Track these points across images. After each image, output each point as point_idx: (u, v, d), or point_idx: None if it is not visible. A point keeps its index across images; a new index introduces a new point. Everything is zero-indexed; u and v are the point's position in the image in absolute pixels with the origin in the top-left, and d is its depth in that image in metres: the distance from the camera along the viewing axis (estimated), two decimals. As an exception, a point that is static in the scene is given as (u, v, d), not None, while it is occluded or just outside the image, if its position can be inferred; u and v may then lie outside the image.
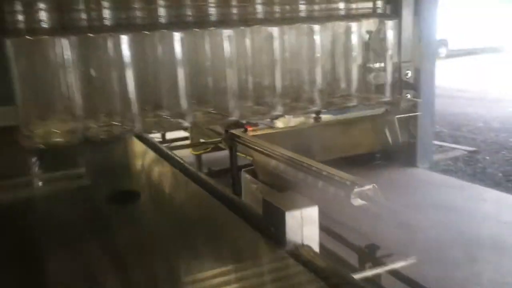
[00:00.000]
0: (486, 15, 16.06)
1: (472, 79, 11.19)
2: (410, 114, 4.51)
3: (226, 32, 1.98)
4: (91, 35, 1.82)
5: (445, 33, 14.81)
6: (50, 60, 1.81)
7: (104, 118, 1.85)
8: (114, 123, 1.85)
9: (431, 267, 2.86)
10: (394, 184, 4.31)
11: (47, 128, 1.77)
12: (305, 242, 1.11)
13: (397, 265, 1.70)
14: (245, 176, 1.86)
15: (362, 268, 2.19)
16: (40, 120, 1.78)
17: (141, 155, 2.19)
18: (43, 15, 1.80)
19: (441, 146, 5.67)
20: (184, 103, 1.93)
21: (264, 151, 1.75)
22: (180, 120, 1.93)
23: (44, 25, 1.80)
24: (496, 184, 4.52)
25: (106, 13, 1.88)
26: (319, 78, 2.24)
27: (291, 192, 1.20)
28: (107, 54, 1.85)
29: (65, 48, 1.79)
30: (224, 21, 2.06)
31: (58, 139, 1.71)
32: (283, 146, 1.77)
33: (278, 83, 2.15)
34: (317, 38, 2.20)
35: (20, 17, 1.77)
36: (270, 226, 1.16)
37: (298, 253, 1.09)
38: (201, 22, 2.03)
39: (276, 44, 2.14)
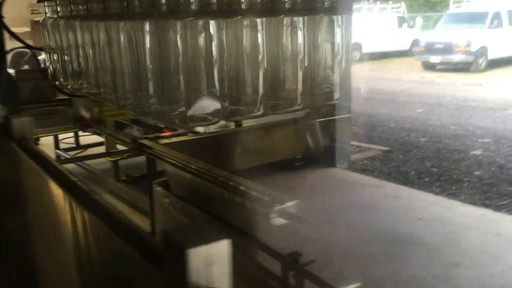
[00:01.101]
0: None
1: (383, 82, 11.71)
2: (331, 118, 4.62)
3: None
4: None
5: (360, 37, 15.43)
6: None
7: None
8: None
9: (348, 266, 2.90)
10: (312, 185, 4.37)
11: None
12: (212, 284, 0.90)
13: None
14: (157, 189, 1.72)
15: (285, 277, 2.15)
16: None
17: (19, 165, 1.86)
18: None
19: (358, 147, 5.84)
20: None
21: (175, 163, 1.61)
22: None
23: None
24: (409, 181, 4.71)
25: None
26: (260, 79, 2.12)
27: (199, 221, 1.03)
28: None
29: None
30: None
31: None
32: (201, 153, 1.69)
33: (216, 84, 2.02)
34: (259, 34, 2.08)
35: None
36: (172, 266, 0.93)
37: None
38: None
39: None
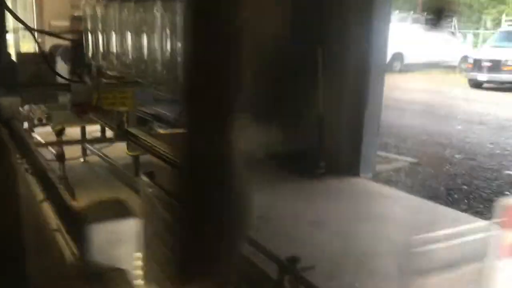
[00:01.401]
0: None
1: (425, 94, 11.45)
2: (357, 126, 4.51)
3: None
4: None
5: (400, 46, 15.14)
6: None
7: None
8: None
9: (360, 278, 2.83)
10: (333, 193, 4.30)
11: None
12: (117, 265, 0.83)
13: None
14: (144, 179, 1.73)
15: (280, 280, 2.11)
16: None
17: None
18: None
19: (385, 157, 5.72)
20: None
21: (156, 153, 1.61)
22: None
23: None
24: (436, 197, 4.57)
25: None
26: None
27: (118, 199, 0.94)
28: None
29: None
30: None
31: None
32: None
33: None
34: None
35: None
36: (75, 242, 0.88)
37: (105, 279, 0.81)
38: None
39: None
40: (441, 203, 4.34)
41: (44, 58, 2.14)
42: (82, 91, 2.20)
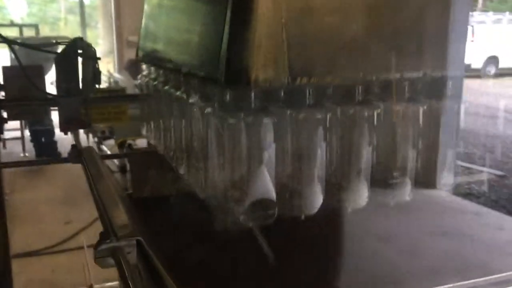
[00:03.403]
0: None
1: (520, 100, 10.68)
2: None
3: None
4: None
5: (496, 50, 14.29)
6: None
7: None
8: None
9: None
10: (406, 205, 4.10)
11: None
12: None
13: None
14: None
15: None
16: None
17: None
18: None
19: (468, 168, 5.39)
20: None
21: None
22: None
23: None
24: (520, 212, 4.23)
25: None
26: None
27: None
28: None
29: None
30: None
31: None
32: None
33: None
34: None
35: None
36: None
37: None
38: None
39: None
40: (525, 220, 4.01)
41: (23, 71, 2.06)
42: (70, 106, 2.10)
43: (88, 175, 1.39)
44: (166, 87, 1.40)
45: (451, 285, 1.23)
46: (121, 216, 0.93)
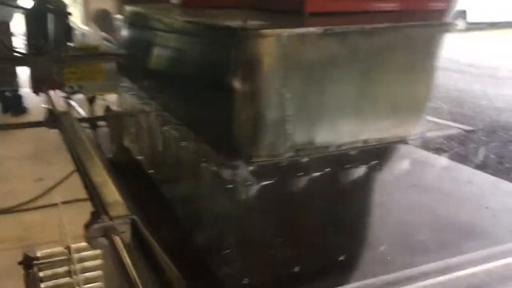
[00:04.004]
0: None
1: (487, 55, 10.83)
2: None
3: None
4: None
5: (464, 4, 14.31)
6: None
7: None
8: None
9: (394, 251, 2.76)
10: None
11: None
12: None
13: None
14: None
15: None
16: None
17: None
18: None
19: (437, 123, 5.48)
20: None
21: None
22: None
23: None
24: (487, 166, 4.36)
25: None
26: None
27: None
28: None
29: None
30: None
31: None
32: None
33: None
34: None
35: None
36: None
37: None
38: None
39: None
40: (490, 173, 4.14)
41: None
42: (41, 65, 1.97)
43: (68, 142, 1.34)
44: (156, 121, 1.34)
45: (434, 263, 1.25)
46: (112, 193, 0.90)
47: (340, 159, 1.27)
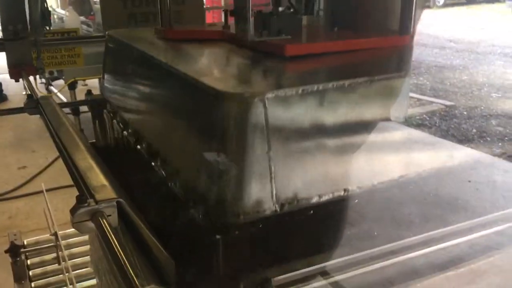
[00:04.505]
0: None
1: (466, 30, 10.89)
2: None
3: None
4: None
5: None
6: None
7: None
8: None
9: (379, 226, 2.80)
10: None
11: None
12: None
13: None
14: None
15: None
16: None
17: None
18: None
19: (419, 100, 5.53)
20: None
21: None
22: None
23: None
24: (468, 140, 4.42)
25: None
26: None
27: None
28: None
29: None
30: None
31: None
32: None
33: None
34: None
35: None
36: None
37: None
38: None
39: None
40: (472, 147, 4.21)
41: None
42: (19, 50, 1.92)
43: (50, 127, 1.32)
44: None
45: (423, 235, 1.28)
46: (97, 177, 0.90)
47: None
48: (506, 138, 4.52)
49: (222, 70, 1.24)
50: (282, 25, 1.24)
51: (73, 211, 0.81)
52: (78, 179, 0.90)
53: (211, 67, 1.27)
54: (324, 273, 0.98)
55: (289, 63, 1.17)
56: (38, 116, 1.54)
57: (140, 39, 1.51)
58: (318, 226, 1.18)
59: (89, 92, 1.71)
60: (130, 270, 0.67)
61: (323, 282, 0.95)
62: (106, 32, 1.63)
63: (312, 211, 1.08)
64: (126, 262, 0.69)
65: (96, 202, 0.81)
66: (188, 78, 1.06)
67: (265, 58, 1.21)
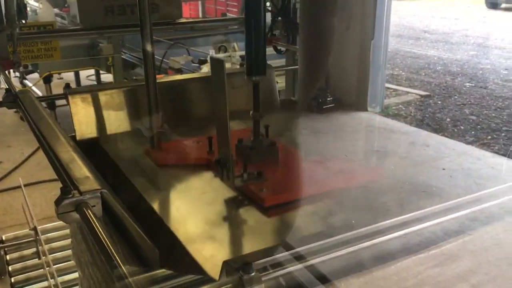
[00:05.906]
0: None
1: (441, 21, 11.05)
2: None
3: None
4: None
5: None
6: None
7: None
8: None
9: (356, 214, 2.85)
10: (337, 129, 4.25)
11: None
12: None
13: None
14: None
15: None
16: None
17: None
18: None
19: (395, 90, 5.61)
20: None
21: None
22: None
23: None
24: (442, 129, 4.51)
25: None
26: None
27: None
28: None
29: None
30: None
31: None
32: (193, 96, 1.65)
33: None
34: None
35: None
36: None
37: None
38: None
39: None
40: (446, 136, 4.29)
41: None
42: None
43: (29, 121, 1.33)
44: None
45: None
46: (80, 168, 0.91)
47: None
48: (478, 126, 4.63)
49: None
50: (261, 158, 1.43)
51: (57, 202, 0.82)
52: (61, 171, 0.91)
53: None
54: (300, 257, 1.01)
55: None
56: (13, 111, 1.53)
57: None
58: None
59: (67, 86, 1.70)
60: (117, 258, 0.69)
61: (299, 265, 0.99)
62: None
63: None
64: (113, 250, 0.71)
65: (81, 193, 0.83)
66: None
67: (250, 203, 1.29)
